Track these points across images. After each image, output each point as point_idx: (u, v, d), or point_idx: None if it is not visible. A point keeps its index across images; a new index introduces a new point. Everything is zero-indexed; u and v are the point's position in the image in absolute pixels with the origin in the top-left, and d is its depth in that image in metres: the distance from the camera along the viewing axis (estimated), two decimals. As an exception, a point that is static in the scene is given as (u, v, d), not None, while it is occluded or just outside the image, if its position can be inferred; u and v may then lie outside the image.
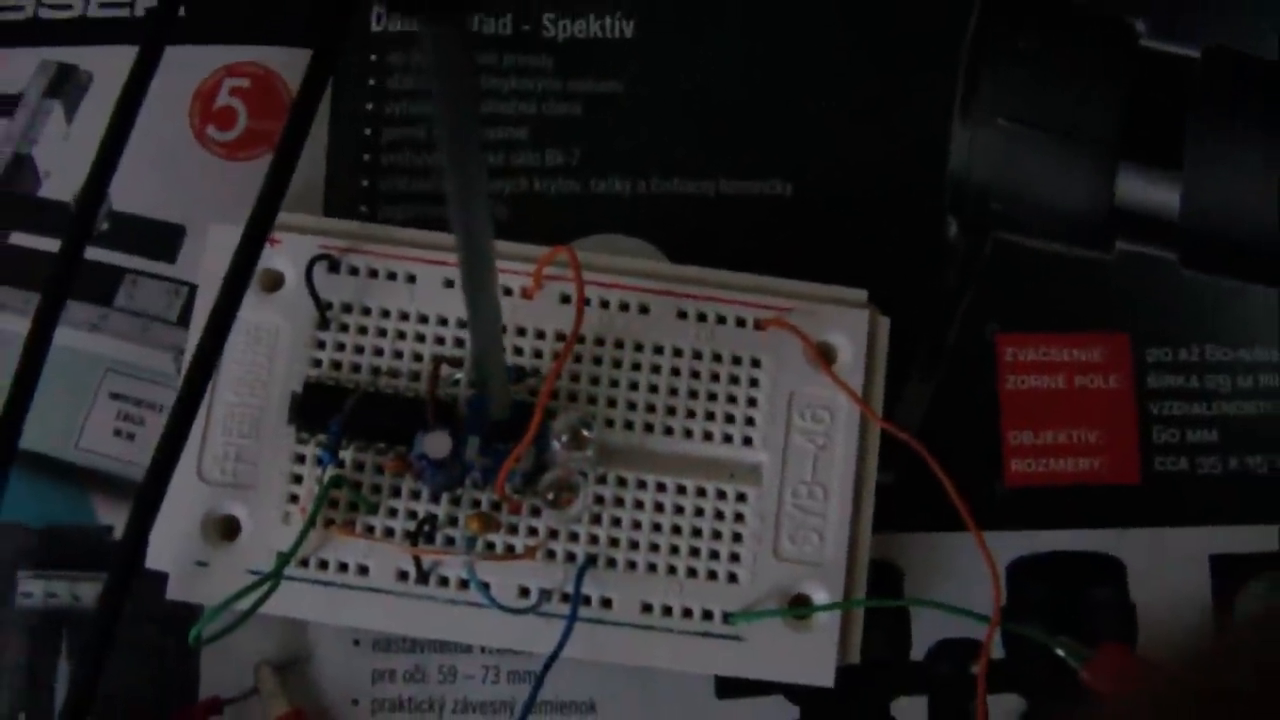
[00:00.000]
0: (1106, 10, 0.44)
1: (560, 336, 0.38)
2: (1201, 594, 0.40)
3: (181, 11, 0.43)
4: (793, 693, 0.38)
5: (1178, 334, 0.42)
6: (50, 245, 0.41)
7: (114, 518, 0.40)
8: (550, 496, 0.36)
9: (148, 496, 0.35)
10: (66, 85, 0.43)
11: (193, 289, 0.40)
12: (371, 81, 0.43)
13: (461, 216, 0.28)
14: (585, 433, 0.36)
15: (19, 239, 0.42)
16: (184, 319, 0.40)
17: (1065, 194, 0.42)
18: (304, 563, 0.36)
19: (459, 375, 0.37)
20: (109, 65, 0.42)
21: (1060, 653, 0.37)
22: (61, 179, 0.42)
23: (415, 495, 0.37)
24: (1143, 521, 0.41)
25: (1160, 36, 0.43)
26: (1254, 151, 0.42)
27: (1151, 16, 0.43)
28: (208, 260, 0.38)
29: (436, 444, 0.35)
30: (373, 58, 0.43)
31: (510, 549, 0.37)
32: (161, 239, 0.41)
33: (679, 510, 0.37)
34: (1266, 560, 0.41)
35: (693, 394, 0.38)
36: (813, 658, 0.37)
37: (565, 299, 0.38)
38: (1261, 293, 0.42)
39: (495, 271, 0.30)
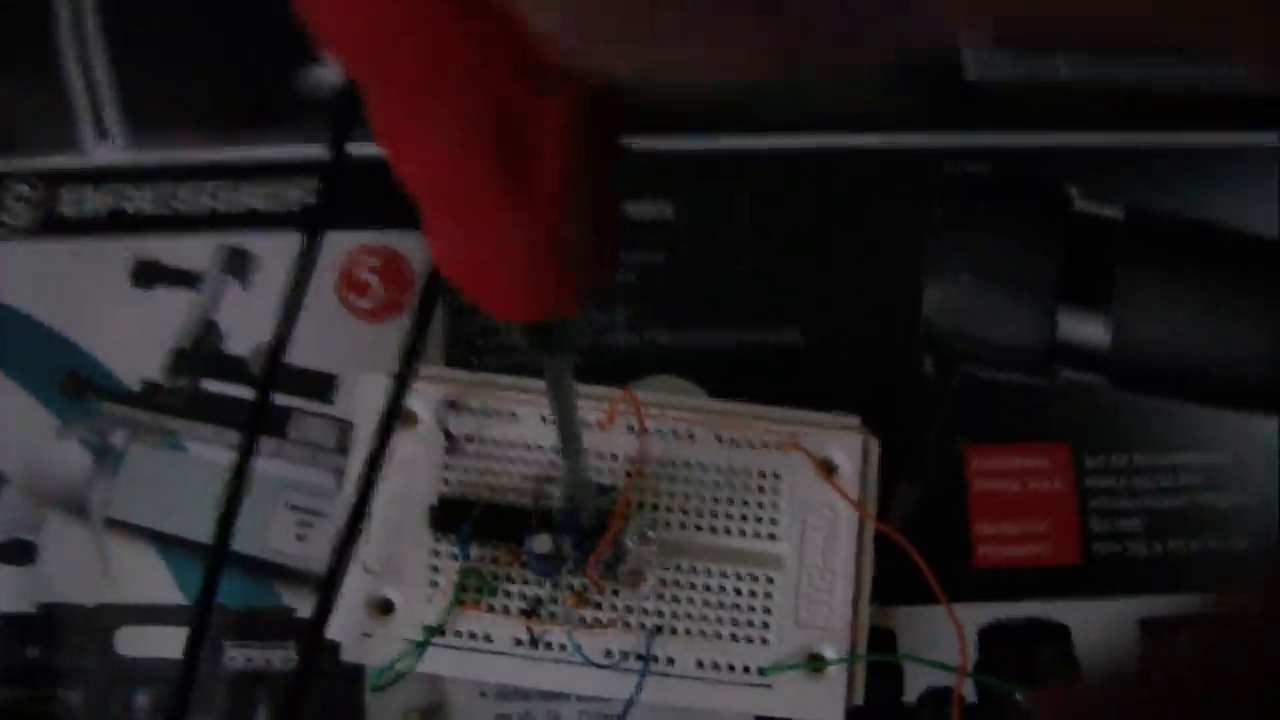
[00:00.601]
0: (1044, 180, 0.46)
1: (629, 458, 0.43)
2: (1131, 651, 0.40)
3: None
4: None
5: (1110, 444, 0.46)
6: (234, 391, 0.46)
7: (293, 600, 0.44)
8: (626, 579, 0.42)
9: (330, 584, 0.41)
10: (239, 264, 0.47)
11: (346, 424, 0.45)
12: None
13: (561, 424, 0.35)
14: (650, 533, 0.42)
15: (209, 385, 0.46)
16: (340, 447, 0.45)
17: (1013, 334, 0.44)
18: (443, 633, 0.41)
19: (554, 491, 0.42)
20: (273, 246, 0.47)
21: (1018, 698, 0.43)
22: (239, 338, 0.47)
23: (525, 581, 0.42)
24: (1084, 594, 0.45)
25: (1090, 199, 0.45)
26: (1170, 294, 0.44)
27: (1082, 182, 0.46)
28: (361, 401, 0.43)
29: (540, 543, 0.41)
30: None
31: (598, 621, 0.41)
32: (320, 385, 0.46)
33: (722, 589, 0.42)
34: (1185, 622, 0.41)
35: (730, 501, 0.43)
36: (826, 701, 0.41)
37: (630, 429, 0.43)
38: (1180, 408, 0.46)
39: (582, 442, 0.36)
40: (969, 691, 0.44)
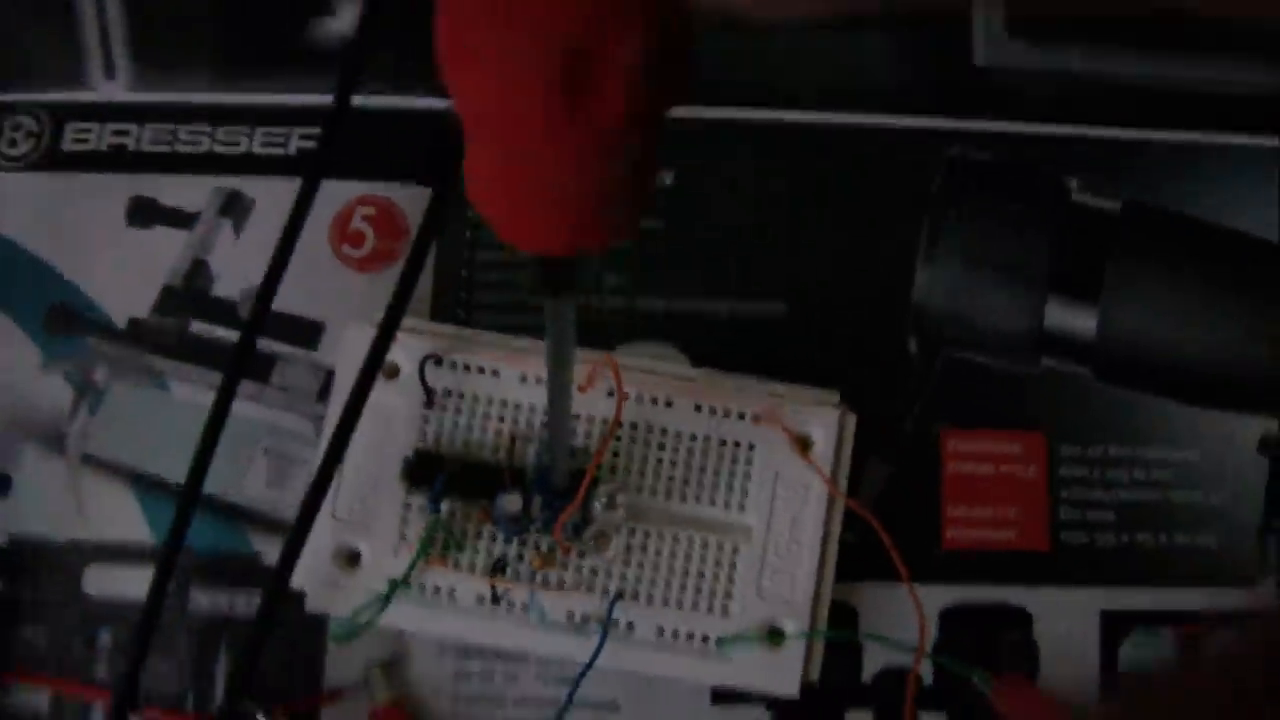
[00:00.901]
0: (1045, 170, 0.47)
1: (605, 422, 0.43)
2: (1091, 641, 0.45)
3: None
4: (769, 702, 0.44)
5: (1086, 434, 0.46)
6: (221, 333, 0.46)
7: (263, 546, 0.44)
8: (592, 543, 0.42)
9: (297, 530, 0.41)
10: (234, 207, 0.47)
11: (330, 372, 0.45)
12: (469, 213, 0.46)
13: (554, 376, 0.34)
14: (619, 498, 0.42)
15: (197, 327, 0.46)
16: (322, 396, 0.45)
17: (1003, 320, 0.45)
18: (409, 585, 0.42)
19: (529, 449, 0.42)
20: (269, 191, 0.47)
21: (974, 680, 0.43)
22: (229, 281, 0.47)
23: (493, 538, 0.42)
24: (1048, 582, 0.45)
25: (1089, 192, 0.46)
26: (1160, 290, 0.45)
27: (1085, 175, 0.46)
28: (343, 353, 0.43)
29: (510, 502, 0.41)
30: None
31: (562, 582, 0.42)
32: (306, 331, 0.46)
33: (687, 557, 0.42)
34: (1145, 616, 0.45)
35: (702, 469, 0.43)
36: (783, 674, 0.42)
37: (610, 393, 0.43)
38: (1157, 403, 0.46)
39: (571, 399, 0.36)
40: (927, 673, 0.44)
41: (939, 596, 0.45)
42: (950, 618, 0.45)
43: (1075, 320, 0.45)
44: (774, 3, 0.19)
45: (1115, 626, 0.45)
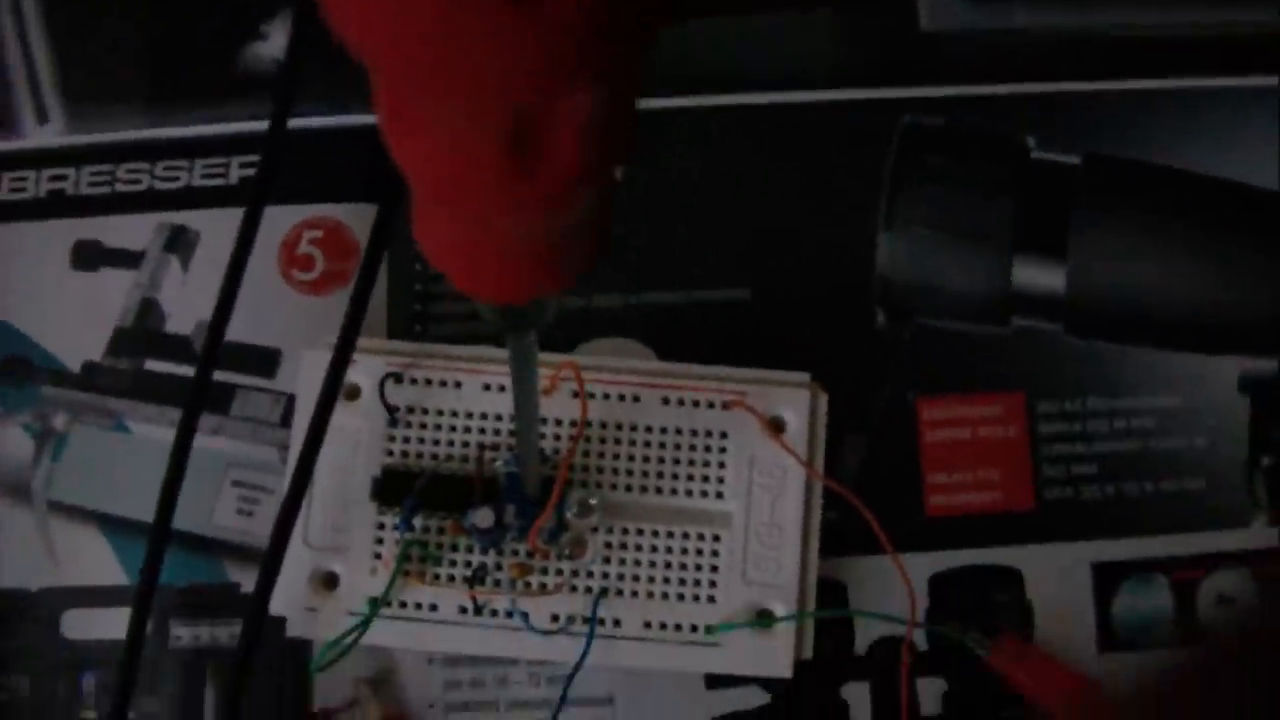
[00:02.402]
0: (1001, 130, 0.47)
1: (573, 424, 0.43)
2: (1085, 595, 0.45)
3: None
4: (764, 683, 0.44)
5: (1063, 390, 0.46)
6: (176, 369, 0.46)
7: (240, 576, 0.44)
8: (567, 551, 0.42)
9: (271, 560, 0.41)
10: (180, 242, 0.47)
11: (290, 397, 0.45)
12: None
13: (520, 403, 0.35)
14: (591, 502, 0.42)
15: (151, 364, 0.46)
16: (285, 421, 0.45)
17: (970, 284, 0.46)
18: (388, 604, 0.41)
19: (498, 457, 0.42)
20: (213, 224, 0.47)
21: (969, 643, 0.43)
22: (181, 317, 0.46)
23: (469, 549, 0.42)
24: (1036, 539, 0.45)
25: (1048, 148, 0.47)
26: (1126, 239, 0.45)
27: (1043, 132, 0.47)
28: (303, 379, 0.43)
29: (482, 517, 0.41)
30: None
31: (543, 586, 0.42)
32: (263, 360, 0.46)
33: (669, 550, 0.42)
34: (1136, 565, 0.45)
35: (676, 461, 0.43)
36: (775, 656, 0.42)
37: (575, 394, 0.43)
38: (1133, 352, 0.46)
39: (538, 420, 0.36)
40: (921, 639, 0.45)
41: (928, 564, 0.45)
42: (940, 584, 0.45)
43: (1043, 278, 0.46)
44: None
45: (1107, 578, 0.45)
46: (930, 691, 0.44)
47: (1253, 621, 0.32)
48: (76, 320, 0.47)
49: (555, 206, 0.23)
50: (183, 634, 0.44)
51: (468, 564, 0.42)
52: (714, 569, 0.43)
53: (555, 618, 0.42)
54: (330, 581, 0.43)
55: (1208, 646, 0.32)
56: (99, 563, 0.45)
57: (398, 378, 0.44)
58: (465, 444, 0.43)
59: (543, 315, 0.29)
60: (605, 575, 0.42)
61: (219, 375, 0.45)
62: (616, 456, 0.43)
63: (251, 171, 0.48)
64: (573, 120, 0.21)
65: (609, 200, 0.26)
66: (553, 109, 0.21)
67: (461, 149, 0.22)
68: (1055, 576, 0.45)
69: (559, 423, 0.43)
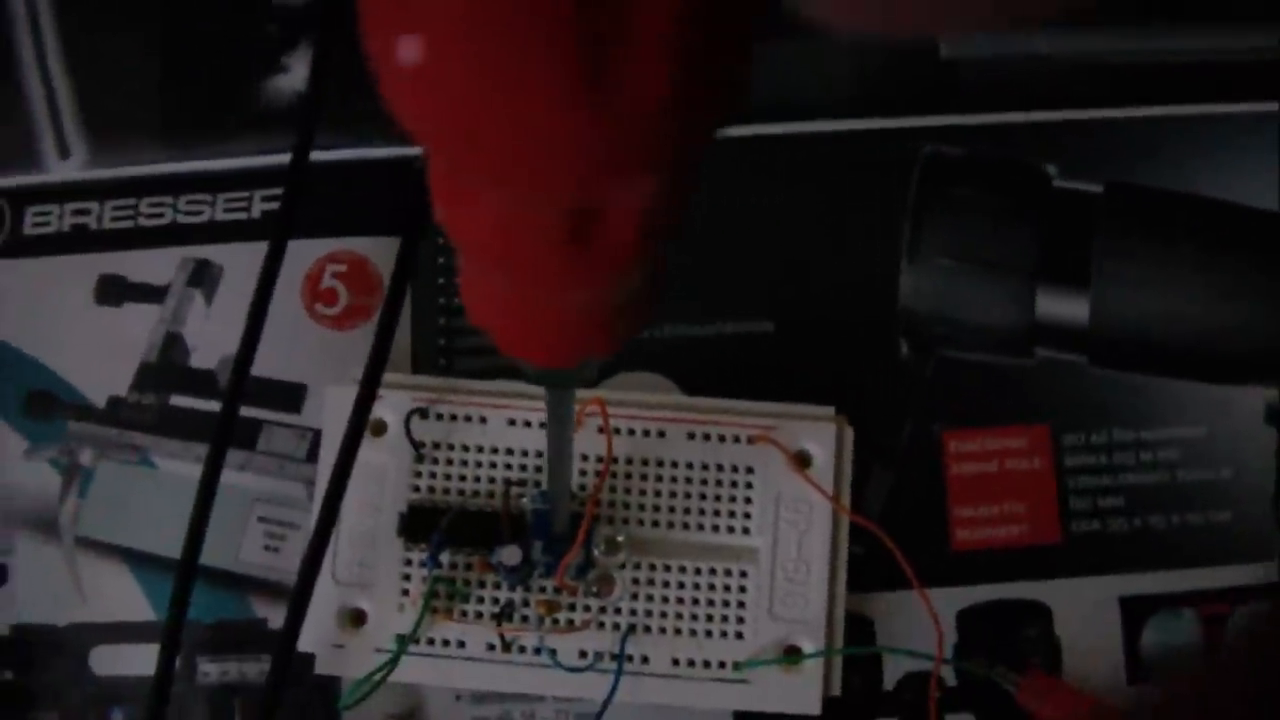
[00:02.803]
0: (1023, 160, 0.47)
1: (600, 459, 0.42)
2: (1113, 629, 0.44)
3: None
4: None
5: (1089, 422, 0.46)
6: (202, 405, 0.46)
7: (267, 612, 0.44)
8: (595, 589, 0.42)
9: (300, 596, 0.41)
10: (203, 276, 0.47)
11: (316, 433, 0.45)
12: (441, 260, 0.46)
13: (553, 457, 0.35)
14: (619, 539, 0.42)
15: (177, 400, 0.46)
16: (311, 457, 0.45)
17: (994, 315, 0.45)
18: (416, 641, 0.41)
19: (525, 493, 0.42)
20: (236, 258, 0.47)
21: (997, 679, 0.43)
22: (206, 351, 0.46)
23: (497, 586, 0.42)
24: (1064, 573, 0.45)
25: (1070, 176, 0.46)
26: (1150, 268, 0.45)
27: (1064, 160, 0.47)
28: (328, 415, 0.43)
29: (509, 554, 0.41)
30: (440, 240, 0.46)
31: (570, 623, 0.42)
32: (288, 395, 0.46)
33: (696, 586, 0.42)
34: (1165, 600, 0.45)
35: (703, 496, 0.43)
36: (803, 693, 0.41)
37: (601, 430, 0.42)
38: (1158, 383, 0.46)
39: (572, 460, 0.36)
40: (950, 675, 0.44)
41: (954, 599, 0.45)
42: (968, 618, 0.45)
43: (1067, 308, 0.45)
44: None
45: (1135, 612, 0.45)
46: (956, 726, 0.45)
47: (1262, 627, 0.32)
48: (101, 355, 0.47)
49: (611, 284, 0.23)
50: (210, 670, 0.44)
51: (495, 600, 0.42)
52: (741, 605, 0.42)
53: (583, 654, 0.42)
54: (358, 618, 0.43)
55: (1218, 653, 0.32)
56: (126, 599, 0.45)
57: (423, 413, 0.43)
58: (491, 479, 0.43)
59: (585, 374, 0.29)
60: (633, 612, 0.42)
61: (244, 411, 0.45)
62: (643, 492, 0.43)
63: (274, 205, 0.47)
64: (637, 205, 0.21)
65: (663, 269, 0.26)
66: (614, 198, 0.21)
67: (520, 228, 0.21)
68: (1083, 611, 0.45)
69: (585, 458, 0.43)
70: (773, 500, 0.43)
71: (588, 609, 0.42)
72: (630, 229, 0.21)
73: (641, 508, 0.43)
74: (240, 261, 0.47)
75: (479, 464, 0.43)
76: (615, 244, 0.21)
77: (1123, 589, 0.45)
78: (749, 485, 0.43)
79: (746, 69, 0.18)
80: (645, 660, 0.42)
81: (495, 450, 0.43)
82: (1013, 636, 0.45)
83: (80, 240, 0.48)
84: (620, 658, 0.41)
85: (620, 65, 0.18)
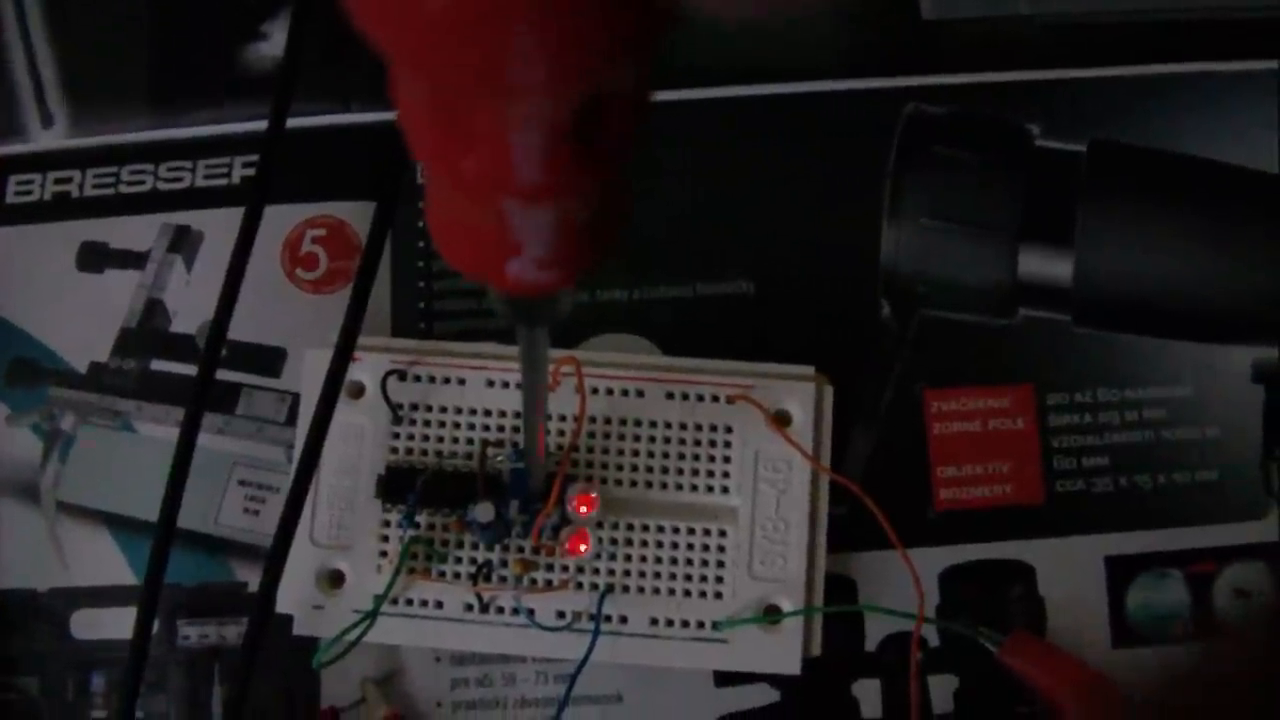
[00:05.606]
0: (1006, 118, 0.47)
1: (577, 419, 0.43)
2: (1098, 589, 0.44)
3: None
4: (774, 680, 0.43)
5: (1073, 381, 0.46)
6: (182, 369, 0.46)
7: (247, 575, 0.44)
8: (566, 546, 0.42)
9: (275, 558, 0.41)
10: (184, 242, 0.47)
11: (296, 396, 0.45)
12: (421, 224, 0.46)
13: (528, 396, 0.34)
14: (593, 495, 0.42)
15: (157, 365, 0.46)
16: (290, 420, 0.45)
17: (976, 275, 0.45)
18: (394, 602, 0.41)
19: (501, 454, 0.42)
20: (216, 223, 0.47)
21: (980, 639, 0.43)
22: (186, 317, 0.47)
23: (474, 546, 0.42)
24: (1048, 533, 0.45)
25: (1052, 136, 0.47)
26: (1132, 226, 0.45)
27: (1048, 120, 0.47)
28: (306, 378, 0.43)
29: (482, 511, 0.41)
30: (421, 204, 0.46)
31: (548, 583, 0.42)
32: (268, 359, 0.46)
33: (674, 546, 0.42)
34: (1150, 559, 0.45)
35: (680, 456, 0.43)
36: (783, 653, 0.42)
37: (578, 389, 0.42)
38: (1142, 343, 0.46)
39: (544, 415, 0.36)
40: (933, 635, 0.44)
41: (937, 559, 0.45)
42: (951, 579, 0.45)
43: (1050, 267, 0.45)
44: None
45: (1121, 572, 0.45)
46: (941, 688, 0.44)
47: (1273, 619, 0.31)
48: (83, 321, 0.47)
49: (606, 190, 0.23)
50: (190, 633, 0.44)
51: (473, 561, 0.42)
52: (720, 565, 0.42)
53: (561, 614, 0.42)
54: (336, 579, 0.43)
55: (1227, 643, 0.31)
56: (107, 563, 0.45)
57: (401, 375, 0.43)
58: (469, 440, 0.43)
59: (556, 309, 0.28)
60: (611, 572, 0.42)
61: (224, 375, 0.46)
62: (621, 452, 0.43)
63: (253, 171, 0.48)
64: (630, 93, 0.21)
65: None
66: (610, 89, 0.20)
67: (524, 144, 0.21)
68: (1068, 571, 0.45)
69: (562, 418, 0.43)
70: (752, 460, 0.43)
71: (565, 569, 0.42)
72: (626, 120, 0.21)
73: (620, 468, 0.43)
74: (220, 227, 0.47)
75: (457, 425, 0.43)
76: (614, 137, 0.21)
77: (1108, 548, 0.45)
78: (728, 445, 0.43)
79: None
80: (624, 620, 0.42)
81: (473, 411, 0.43)
82: (997, 597, 0.45)
83: (62, 208, 0.48)
84: (598, 617, 0.42)
85: None
